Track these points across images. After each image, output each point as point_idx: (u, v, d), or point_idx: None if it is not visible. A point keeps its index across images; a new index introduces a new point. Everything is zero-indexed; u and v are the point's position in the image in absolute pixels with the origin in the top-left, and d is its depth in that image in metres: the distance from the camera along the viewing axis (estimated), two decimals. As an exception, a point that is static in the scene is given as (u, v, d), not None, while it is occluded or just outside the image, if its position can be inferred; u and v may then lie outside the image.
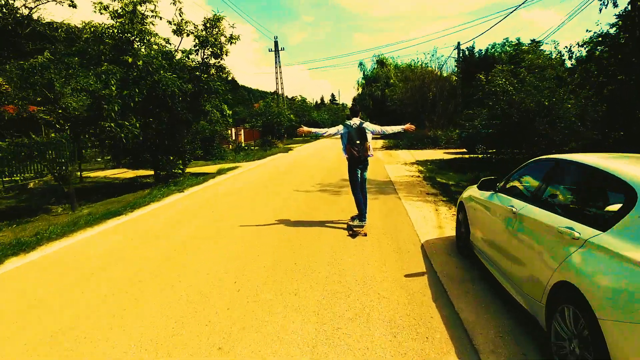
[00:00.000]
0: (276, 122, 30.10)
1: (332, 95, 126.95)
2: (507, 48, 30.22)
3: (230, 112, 31.95)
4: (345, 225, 5.90)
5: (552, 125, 10.76)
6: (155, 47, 11.55)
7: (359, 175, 5.67)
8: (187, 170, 15.09)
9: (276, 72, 42.42)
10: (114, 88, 9.55)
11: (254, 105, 43.60)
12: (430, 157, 16.39)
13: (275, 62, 42.19)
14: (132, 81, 10.23)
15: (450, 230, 5.51)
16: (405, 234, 5.41)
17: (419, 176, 11.12)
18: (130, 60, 10.07)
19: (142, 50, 10.51)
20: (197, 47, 11.71)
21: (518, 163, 11.44)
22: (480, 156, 15.37)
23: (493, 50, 29.75)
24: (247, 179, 11.78)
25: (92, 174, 15.26)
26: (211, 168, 15.21)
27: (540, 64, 12.61)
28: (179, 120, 11.30)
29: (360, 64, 45.23)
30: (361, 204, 5.65)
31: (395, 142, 24.32)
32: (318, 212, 6.93)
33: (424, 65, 25.89)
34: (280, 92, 42.82)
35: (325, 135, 5.83)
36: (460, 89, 26.20)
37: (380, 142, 30.30)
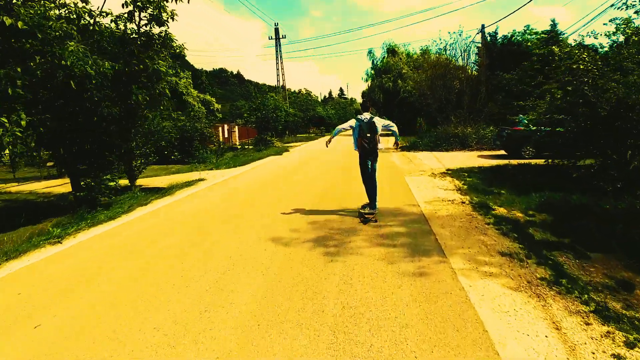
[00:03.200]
0: (272, 118, 25.82)
1: (341, 89, 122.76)
2: (528, 36, 25.87)
3: (219, 107, 28.12)
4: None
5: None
6: (66, 10, 7.79)
7: (369, 166, 5.94)
8: (140, 181, 11.43)
9: (277, 62, 38.57)
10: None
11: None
12: (463, 164, 12.37)
13: (276, 50, 38.36)
14: (15, 56, 6.52)
15: None
16: None
17: (463, 201, 7.19)
18: (8, 22, 6.31)
19: (34, 8, 6.71)
20: (132, 10, 7.92)
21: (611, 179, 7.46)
22: (533, 162, 11.37)
23: (514, 38, 25.31)
24: (193, 210, 7.56)
25: (17, 188, 11.62)
26: (170, 179, 11.45)
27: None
28: (98, 115, 7.49)
29: (370, 52, 40.90)
30: (371, 193, 5.97)
31: (413, 142, 20.11)
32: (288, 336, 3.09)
33: (448, 46, 21.40)
34: (281, 84, 38.97)
35: (341, 131, 6.27)
36: (484, 77, 21.93)
37: (393, 140, 26.14)
